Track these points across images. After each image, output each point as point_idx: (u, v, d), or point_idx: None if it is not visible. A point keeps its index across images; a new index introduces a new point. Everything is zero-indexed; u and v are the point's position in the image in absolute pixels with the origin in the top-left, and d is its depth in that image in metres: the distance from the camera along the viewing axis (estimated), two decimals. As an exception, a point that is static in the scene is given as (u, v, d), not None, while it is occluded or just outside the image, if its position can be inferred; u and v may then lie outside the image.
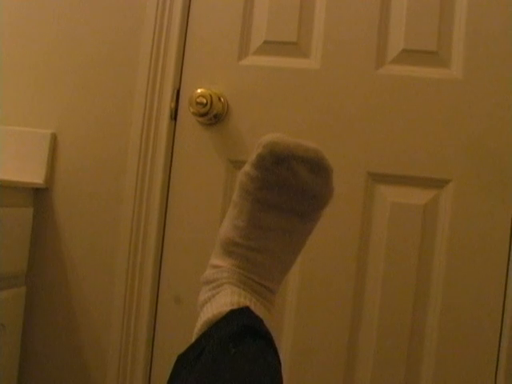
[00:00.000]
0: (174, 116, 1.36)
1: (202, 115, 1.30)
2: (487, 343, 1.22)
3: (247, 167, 0.75)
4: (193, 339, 0.70)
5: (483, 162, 1.24)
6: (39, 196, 1.41)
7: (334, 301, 1.29)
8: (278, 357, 0.68)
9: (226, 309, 0.69)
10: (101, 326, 1.38)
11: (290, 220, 0.76)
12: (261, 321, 0.69)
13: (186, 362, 0.64)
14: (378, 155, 1.28)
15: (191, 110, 1.30)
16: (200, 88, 1.31)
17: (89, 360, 1.38)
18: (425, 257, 1.26)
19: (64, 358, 1.39)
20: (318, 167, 0.74)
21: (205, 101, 1.28)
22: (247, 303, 0.71)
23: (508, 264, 1.22)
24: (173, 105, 1.35)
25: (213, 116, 1.31)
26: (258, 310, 0.72)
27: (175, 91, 1.36)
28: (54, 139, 1.40)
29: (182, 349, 0.68)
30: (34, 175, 1.39)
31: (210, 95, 1.28)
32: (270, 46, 1.33)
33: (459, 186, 1.24)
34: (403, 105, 1.27)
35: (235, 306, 0.70)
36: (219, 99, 1.31)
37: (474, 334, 1.23)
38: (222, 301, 0.72)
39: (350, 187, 1.28)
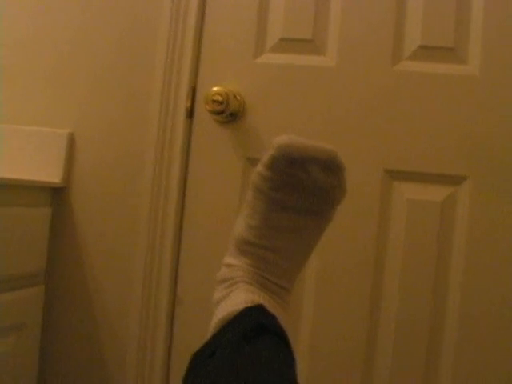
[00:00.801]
0: (190, 114, 1.36)
1: (219, 113, 1.30)
2: (507, 340, 1.22)
3: (260, 167, 0.76)
4: (208, 337, 0.70)
5: (500, 158, 1.24)
6: (57, 195, 1.41)
7: (352, 299, 1.29)
8: (292, 354, 0.68)
9: (241, 307, 0.70)
10: (119, 323, 1.39)
11: (303, 219, 0.76)
12: (275, 318, 0.70)
13: (201, 360, 0.65)
14: (395, 152, 1.28)
15: (207, 108, 1.30)
16: (216, 86, 1.31)
17: (107, 357, 1.39)
18: (443, 253, 1.25)
19: (83, 356, 1.41)
20: (330, 166, 0.74)
21: (221, 99, 1.28)
22: (261, 301, 0.72)
23: (526, 260, 1.22)
24: (189, 103, 1.35)
25: (229, 114, 1.31)
26: (273, 308, 0.73)
27: (191, 89, 1.36)
28: (72, 139, 1.41)
29: (199, 346, 0.68)
30: (52, 175, 1.40)
31: (226, 93, 1.29)
32: (286, 44, 1.33)
33: (476, 182, 1.24)
34: (420, 101, 1.27)
35: (249, 304, 0.70)
36: (235, 97, 1.31)
37: (494, 331, 1.23)
38: (236, 299, 0.72)
39: (367, 184, 1.28)
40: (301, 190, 0.74)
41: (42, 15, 1.45)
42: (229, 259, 0.79)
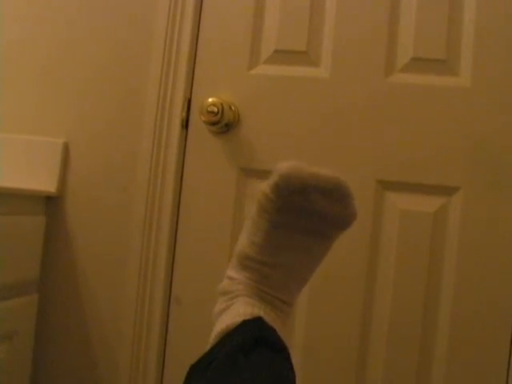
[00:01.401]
0: (186, 125, 1.37)
1: (214, 124, 1.31)
2: (498, 350, 1.22)
3: (265, 188, 0.75)
4: (206, 349, 0.70)
5: (492, 169, 1.25)
6: (51, 204, 1.42)
7: (345, 308, 1.29)
8: (292, 369, 0.68)
9: (239, 319, 0.70)
10: (112, 332, 1.39)
11: (306, 240, 0.77)
12: (274, 331, 0.70)
13: (197, 372, 0.65)
14: (388, 163, 1.29)
15: (202, 118, 1.31)
16: (211, 97, 1.32)
17: (101, 365, 1.39)
18: (434, 264, 1.26)
19: (76, 364, 1.40)
20: (334, 195, 0.73)
21: (216, 109, 1.29)
22: (260, 314, 0.72)
23: (518, 270, 1.23)
24: (184, 114, 1.36)
25: (224, 125, 1.32)
26: (272, 321, 0.73)
27: (186, 100, 1.37)
28: (66, 148, 1.42)
29: (193, 354, 0.69)
30: (46, 184, 1.41)
31: (221, 104, 1.30)
32: (280, 55, 1.35)
33: (468, 193, 1.25)
34: (412, 113, 1.28)
35: (248, 317, 0.71)
36: (230, 108, 1.32)
37: (485, 341, 1.23)
38: (235, 311, 0.72)
39: (360, 195, 1.25)
40: (305, 215, 0.74)
41: (34, 27, 1.46)
42: (230, 272, 0.80)
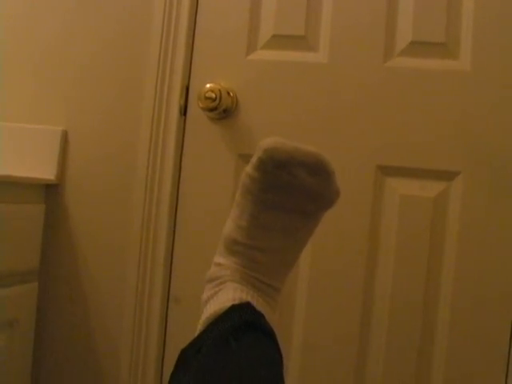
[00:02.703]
0: (184, 111, 1.36)
1: (212, 110, 1.31)
2: (498, 337, 1.22)
3: (249, 169, 0.76)
4: (195, 335, 0.70)
5: (492, 153, 1.24)
6: (51, 192, 1.42)
7: (344, 294, 1.29)
8: (279, 352, 0.68)
9: (228, 304, 0.70)
10: (113, 320, 1.39)
11: (291, 219, 0.76)
12: (262, 316, 0.70)
13: (188, 356, 0.65)
14: (387, 148, 1.28)
15: (200, 104, 1.31)
16: (209, 83, 1.31)
17: (101, 353, 1.39)
18: (435, 249, 1.25)
19: (77, 353, 1.41)
20: (318, 170, 0.73)
21: (214, 95, 1.29)
22: (249, 299, 0.72)
23: (519, 256, 1.22)
24: (182, 101, 1.36)
25: (222, 111, 1.32)
26: (260, 306, 0.73)
27: (184, 87, 1.36)
28: (65, 136, 1.42)
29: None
30: (46, 172, 1.40)
31: (219, 90, 1.29)
32: (278, 40, 1.34)
33: (469, 178, 1.24)
34: (412, 97, 1.27)
35: (237, 302, 0.71)
36: (228, 94, 1.32)
37: (485, 328, 1.23)
38: (223, 297, 0.72)
39: (360, 180, 1.28)
40: (289, 191, 0.74)
41: (33, 15, 1.46)
42: (218, 259, 0.80)
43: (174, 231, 1.38)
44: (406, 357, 1.26)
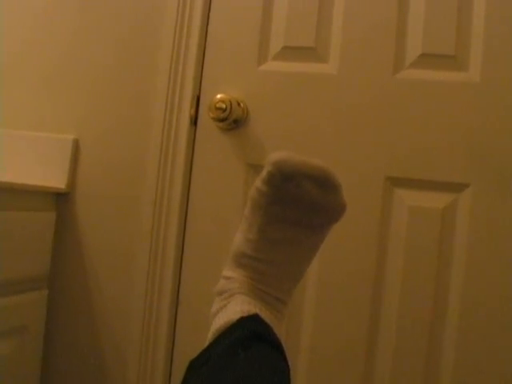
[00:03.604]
0: (194, 121, 1.37)
1: (222, 120, 1.31)
2: (508, 349, 1.21)
3: (258, 183, 0.77)
4: (204, 346, 0.71)
5: (502, 165, 1.24)
6: (61, 200, 1.43)
7: (353, 305, 1.29)
8: (287, 363, 0.69)
9: (236, 316, 0.71)
10: (121, 328, 1.39)
11: (299, 233, 0.77)
12: (270, 328, 0.71)
13: (196, 367, 0.65)
14: (397, 159, 1.28)
15: (211, 115, 1.32)
16: (220, 93, 1.32)
17: (109, 361, 1.40)
18: (443, 261, 1.25)
19: (85, 359, 1.41)
20: (325, 184, 0.74)
21: (224, 106, 1.29)
22: (257, 311, 0.73)
23: (528, 268, 1.21)
24: (193, 111, 1.37)
25: (232, 121, 1.33)
26: (268, 318, 0.73)
27: (195, 97, 1.38)
28: (76, 144, 1.43)
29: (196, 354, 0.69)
30: (57, 180, 1.42)
31: (230, 100, 1.30)
32: (289, 52, 1.35)
33: (478, 190, 1.24)
34: (421, 109, 1.27)
35: (245, 314, 0.71)
36: (238, 104, 1.33)
37: (495, 340, 1.22)
38: (232, 310, 0.73)
39: (369, 191, 1.29)
40: (296, 205, 0.75)
41: (43, 24, 1.47)
42: (227, 272, 0.81)
43: (184, 240, 1.38)
44: (413, 366, 1.26)
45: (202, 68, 1.38)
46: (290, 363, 0.70)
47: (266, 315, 0.74)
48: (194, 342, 1.34)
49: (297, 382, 1.31)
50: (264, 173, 0.75)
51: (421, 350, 1.26)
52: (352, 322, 1.29)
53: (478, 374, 1.23)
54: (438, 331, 1.25)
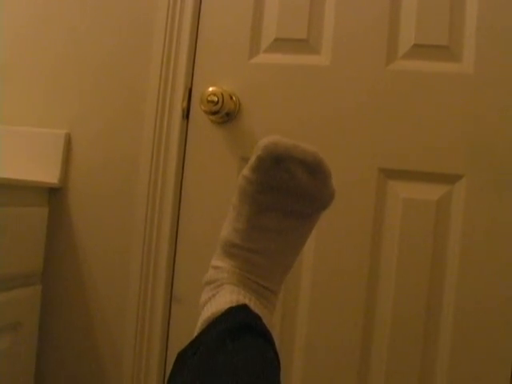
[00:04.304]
0: (187, 115, 1.37)
1: (214, 113, 1.31)
2: (502, 339, 1.21)
3: (246, 171, 0.76)
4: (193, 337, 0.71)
5: (495, 156, 1.23)
6: (54, 195, 1.42)
7: (348, 297, 1.28)
8: (276, 354, 0.68)
9: (225, 306, 0.70)
10: (115, 323, 1.39)
11: (288, 221, 0.76)
12: (259, 318, 0.70)
13: (185, 358, 0.65)
14: (390, 151, 1.27)
15: (202, 108, 1.31)
16: (211, 86, 1.32)
17: (104, 357, 1.40)
18: (438, 252, 1.25)
19: (80, 355, 1.41)
20: (315, 170, 0.73)
21: (216, 99, 1.29)
22: (246, 301, 0.72)
23: (523, 259, 1.21)
24: (185, 104, 1.36)
25: (224, 114, 1.32)
26: (257, 308, 0.73)
27: (187, 90, 1.37)
28: (69, 139, 1.42)
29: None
30: (49, 175, 1.41)
31: (222, 93, 1.29)
32: (281, 44, 1.34)
33: (472, 181, 1.24)
34: (414, 100, 1.27)
35: (234, 304, 0.71)
36: (231, 97, 1.32)
37: (489, 331, 1.22)
38: (221, 300, 0.73)
39: (362, 183, 1.28)
40: (286, 192, 0.74)
41: (39, 17, 1.46)
42: (215, 262, 0.80)
43: (177, 234, 1.38)
44: (409, 360, 1.26)
45: (194, 60, 1.38)
46: (280, 354, 0.69)
47: (255, 305, 0.73)
48: (189, 336, 1.34)
49: (292, 379, 1.31)
50: (253, 159, 0.74)
51: (416, 342, 1.25)
52: (347, 314, 1.28)
53: (473, 368, 1.22)
54: (432, 323, 1.25)
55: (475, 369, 1.22)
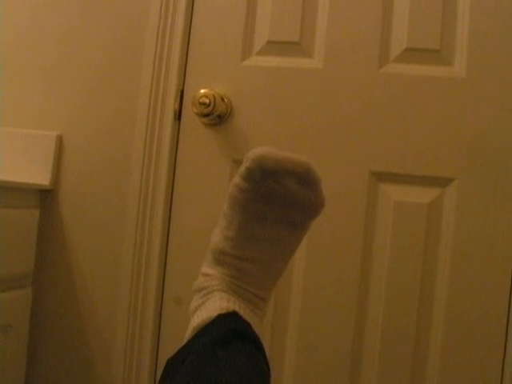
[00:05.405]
0: (178, 117, 1.36)
1: (206, 115, 1.30)
2: (493, 343, 1.21)
3: (237, 179, 0.76)
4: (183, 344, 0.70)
5: (487, 160, 1.23)
6: (45, 197, 1.42)
7: (339, 300, 1.28)
8: (266, 361, 0.68)
9: (215, 314, 0.70)
10: (106, 325, 1.38)
11: (279, 230, 0.76)
12: (249, 325, 0.70)
13: (175, 365, 0.65)
14: (382, 154, 1.28)
15: (194, 110, 1.31)
16: (203, 88, 1.31)
17: (95, 359, 1.39)
18: (429, 256, 1.25)
19: (70, 357, 1.40)
20: (305, 179, 0.73)
21: (208, 101, 1.28)
22: (236, 308, 0.72)
23: (514, 263, 1.21)
24: (176, 106, 1.36)
25: (216, 116, 1.32)
26: (247, 315, 0.73)
27: (179, 92, 1.37)
28: (60, 141, 1.42)
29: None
30: (40, 177, 1.40)
31: (214, 95, 1.29)
32: (273, 46, 1.34)
33: (463, 184, 1.24)
34: (406, 103, 1.27)
35: (223, 311, 0.71)
36: (222, 100, 1.32)
37: (480, 334, 1.22)
38: (210, 307, 0.72)
39: (354, 186, 1.28)
40: (277, 202, 0.74)
41: (32, 20, 1.46)
42: (205, 269, 0.80)
43: (168, 236, 1.37)
44: (400, 358, 1.26)
45: (186, 62, 1.37)
46: (270, 362, 0.69)
47: (245, 312, 0.73)
48: (180, 339, 1.33)
49: (283, 378, 1.31)
50: (242, 169, 0.74)
51: (408, 344, 1.26)
52: (338, 317, 1.28)
53: (465, 364, 1.22)
54: (424, 325, 1.25)
55: (466, 367, 1.23)
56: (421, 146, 1.26)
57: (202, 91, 1.30)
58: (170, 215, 1.37)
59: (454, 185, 1.25)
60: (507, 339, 1.21)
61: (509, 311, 1.21)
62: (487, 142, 1.23)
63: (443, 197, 1.25)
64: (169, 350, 1.34)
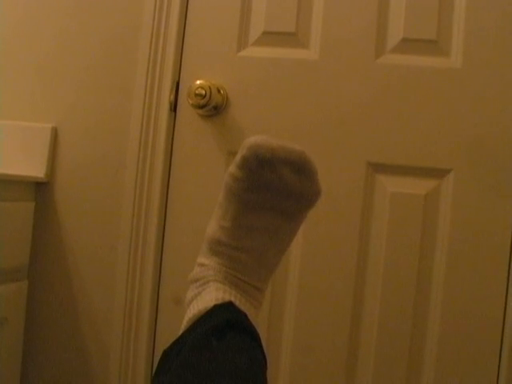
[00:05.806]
0: (174, 108, 1.36)
1: (201, 107, 1.30)
2: (489, 339, 1.21)
3: (232, 168, 0.75)
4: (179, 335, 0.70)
5: (483, 151, 1.23)
6: (40, 190, 1.41)
7: (335, 292, 1.28)
8: (263, 352, 0.68)
9: (211, 304, 0.70)
10: (102, 318, 1.38)
11: (274, 220, 0.76)
12: (245, 316, 0.70)
13: (170, 357, 0.65)
14: (378, 145, 1.27)
15: (190, 101, 1.30)
16: (199, 80, 1.31)
17: (90, 352, 1.39)
18: (426, 247, 1.25)
19: (66, 351, 1.40)
20: (301, 169, 0.73)
21: (204, 92, 1.28)
22: (231, 299, 0.72)
23: (510, 254, 1.21)
24: (172, 97, 1.35)
25: (212, 107, 1.31)
26: (243, 306, 0.73)
27: (175, 83, 1.36)
28: (55, 133, 1.41)
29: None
30: (35, 169, 1.40)
31: (209, 87, 1.28)
32: (269, 37, 1.33)
33: (460, 175, 1.24)
34: (403, 94, 1.26)
35: (219, 302, 0.70)
36: (218, 91, 1.31)
37: (476, 328, 1.22)
38: (206, 297, 0.72)
39: (350, 177, 1.28)
40: (272, 191, 0.73)
41: (26, 15, 1.45)
42: (201, 259, 0.79)
43: (164, 228, 1.37)
44: (396, 356, 1.26)
45: (182, 53, 1.37)
46: (266, 352, 0.69)
47: (241, 303, 0.73)
48: (176, 331, 1.33)
49: (279, 378, 1.31)
50: (238, 157, 0.74)
51: (404, 338, 1.25)
52: (335, 309, 1.28)
53: (461, 360, 1.23)
54: (420, 317, 1.25)
55: (462, 365, 1.23)
56: (417, 136, 1.25)
57: (198, 82, 1.29)
58: (166, 207, 1.37)
59: (450, 176, 1.24)
60: (503, 331, 1.21)
61: (505, 304, 1.21)
62: (484, 134, 1.23)
63: (440, 188, 1.25)
64: (165, 342, 1.34)
